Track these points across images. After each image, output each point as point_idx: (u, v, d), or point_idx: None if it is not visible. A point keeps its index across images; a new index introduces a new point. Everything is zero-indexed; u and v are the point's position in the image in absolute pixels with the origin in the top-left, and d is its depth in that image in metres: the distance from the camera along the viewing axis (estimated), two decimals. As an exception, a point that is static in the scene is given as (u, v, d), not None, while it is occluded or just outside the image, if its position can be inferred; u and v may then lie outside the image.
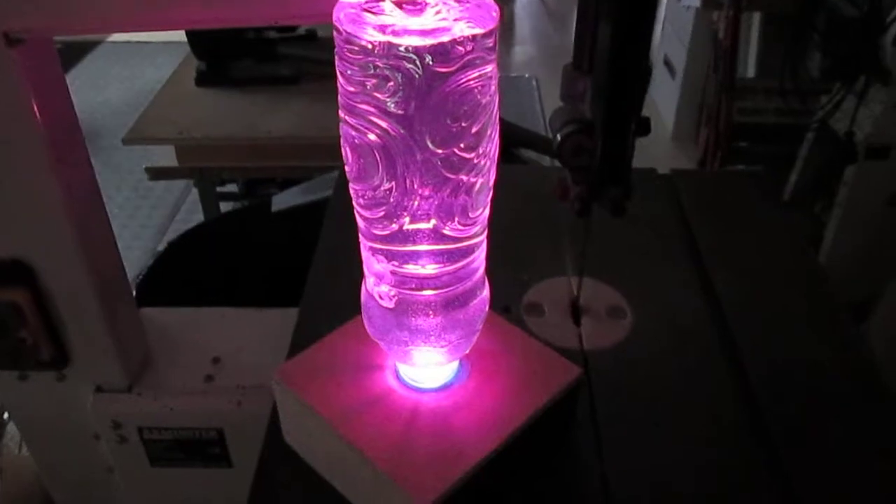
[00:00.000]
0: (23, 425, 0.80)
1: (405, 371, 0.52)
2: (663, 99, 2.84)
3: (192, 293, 0.95)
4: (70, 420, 0.77)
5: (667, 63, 2.84)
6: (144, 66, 3.50)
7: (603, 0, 0.50)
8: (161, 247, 1.32)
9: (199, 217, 2.46)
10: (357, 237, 0.46)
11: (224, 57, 1.71)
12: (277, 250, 1.29)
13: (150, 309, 0.82)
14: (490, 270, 0.49)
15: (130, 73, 3.48)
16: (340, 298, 0.59)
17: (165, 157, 1.64)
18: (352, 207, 0.44)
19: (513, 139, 1.48)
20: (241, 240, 1.35)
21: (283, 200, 1.32)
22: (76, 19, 0.53)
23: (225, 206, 1.86)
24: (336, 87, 0.39)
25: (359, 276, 0.50)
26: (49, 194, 0.61)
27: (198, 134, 1.55)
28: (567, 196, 0.60)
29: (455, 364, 0.52)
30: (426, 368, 0.50)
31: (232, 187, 1.99)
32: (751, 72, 2.40)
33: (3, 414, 1.21)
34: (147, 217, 2.57)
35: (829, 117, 1.74)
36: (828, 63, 1.78)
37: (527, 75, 2.03)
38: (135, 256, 2.23)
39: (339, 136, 0.42)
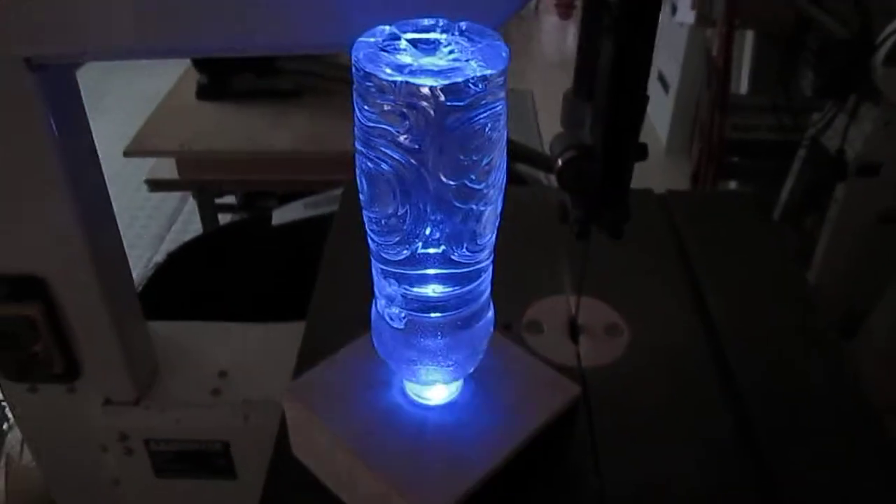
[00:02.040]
0: (32, 436, 0.81)
1: (412, 388, 0.54)
2: (657, 113, 2.87)
3: (192, 305, 0.96)
4: (78, 431, 0.78)
5: (661, 78, 2.87)
6: (142, 76, 3.52)
7: (604, 32, 0.53)
8: (159, 258, 1.33)
9: (195, 228, 2.47)
10: (363, 254, 0.48)
11: (224, 71, 1.73)
12: (277, 264, 1.30)
13: (159, 323, 0.84)
14: (492, 291, 0.51)
15: (128, 83, 3.49)
16: (346, 313, 0.61)
17: (163, 168, 1.66)
18: (358, 224, 0.46)
19: (510, 154, 1.50)
20: (240, 252, 1.37)
21: (284, 214, 1.34)
22: (92, 47, 0.55)
23: (223, 218, 1.87)
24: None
25: (364, 291, 0.52)
26: (64, 212, 0.63)
27: (199, 147, 1.56)
28: (567, 219, 0.62)
29: (460, 382, 0.54)
30: (432, 386, 0.52)
31: (230, 199, 2.01)
32: (744, 88, 2.42)
33: (2, 423, 1.23)
34: (143, 227, 2.58)
35: (820, 135, 1.76)
36: (820, 81, 1.80)
37: (522, 88, 2.06)
38: (131, 268, 2.24)
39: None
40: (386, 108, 0.38)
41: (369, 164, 0.41)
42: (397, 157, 0.39)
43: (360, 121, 0.40)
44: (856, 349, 1.59)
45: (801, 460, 0.59)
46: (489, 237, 0.45)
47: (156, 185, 1.67)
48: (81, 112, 0.64)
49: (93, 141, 0.66)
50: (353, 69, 0.38)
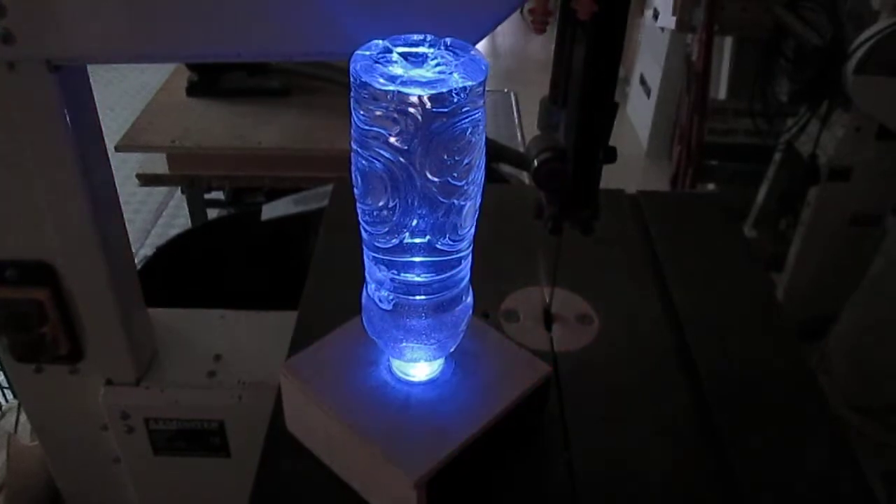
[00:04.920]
0: (35, 415, 0.86)
1: (398, 366, 0.59)
2: (639, 117, 2.93)
3: (181, 297, 1.00)
4: (80, 411, 0.82)
5: (643, 82, 2.93)
6: (128, 69, 3.52)
7: (576, 46, 0.58)
8: (146, 251, 1.36)
9: (181, 222, 2.49)
10: (352, 246, 0.54)
11: (215, 69, 1.76)
12: (265, 258, 1.34)
13: (158, 309, 0.88)
14: (471, 280, 0.57)
15: (113, 76, 3.50)
16: (336, 301, 0.67)
17: (153, 163, 1.69)
18: (347, 218, 0.51)
19: (492, 154, 1.55)
20: (230, 246, 1.40)
21: (273, 210, 1.37)
22: (106, 51, 0.60)
23: (211, 213, 1.90)
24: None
25: (352, 280, 0.57)
26: (76, 202, 0.67)
27: (189, 143, 1.60)
28: (541, 215, 0.67)
29: (441, 360, 0.59)
30: (416, 364, 0.58)
31: (218, 194, 2.04)
32: (722, 93, 2.48)
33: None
34: (129, 222, 2.57)
35: (794, 139, 1.82)
36: (794, 88, 1.85)
37: (505, 90, 2.10)
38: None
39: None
40: (379, 113, 0.43)
41: (364, 162, 0.46)
42: (389, 157, 0.44)
43: (356, 123, 0.45)
44: (826, 349, 1.64)
45: (755, 440, 0.65)
46: (469, 229, 0.51)
47: (147, 179, 1.70)
48: (93, 108, 0.69)
49: (102, 136, 0.70)
50: (351, 79, 0.44)
